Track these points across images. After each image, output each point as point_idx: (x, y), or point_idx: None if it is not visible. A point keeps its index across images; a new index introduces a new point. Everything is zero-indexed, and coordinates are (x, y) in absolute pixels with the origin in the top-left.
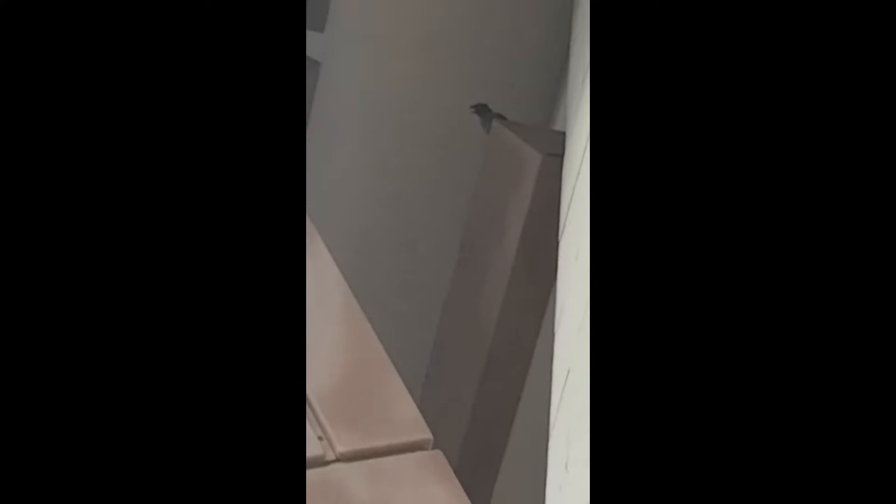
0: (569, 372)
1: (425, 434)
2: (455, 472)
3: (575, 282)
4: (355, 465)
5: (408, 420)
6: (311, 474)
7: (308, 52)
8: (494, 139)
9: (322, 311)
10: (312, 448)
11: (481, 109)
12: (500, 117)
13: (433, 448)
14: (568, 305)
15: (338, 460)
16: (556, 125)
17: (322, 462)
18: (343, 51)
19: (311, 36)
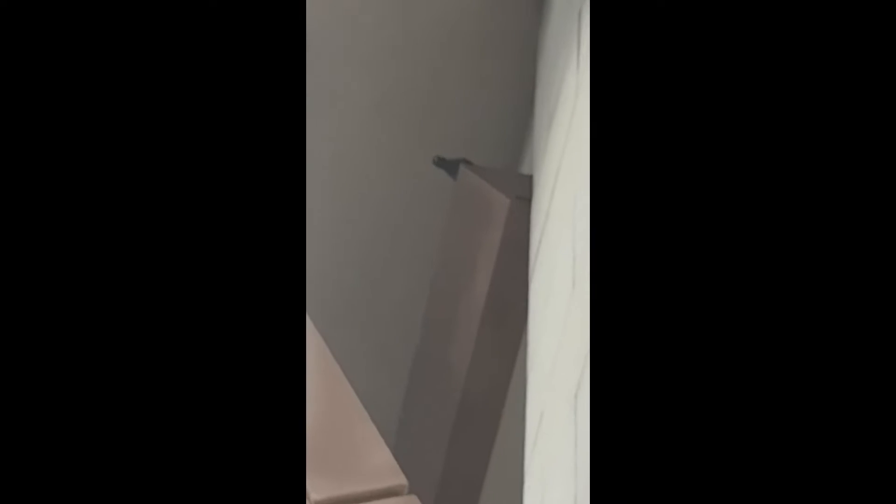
0: (542, 415)
1: (400, 479)
2: None
3: (546, 324)
4: None
5: (382, 466)
6: None
7: None
8: (462, 184)
9: None
10: None
11: (441, 162)
12: (466, 162)
13: (408, 493)
14: (540, 348)
15: None
16: (522, 168)
17: None
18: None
19: None
